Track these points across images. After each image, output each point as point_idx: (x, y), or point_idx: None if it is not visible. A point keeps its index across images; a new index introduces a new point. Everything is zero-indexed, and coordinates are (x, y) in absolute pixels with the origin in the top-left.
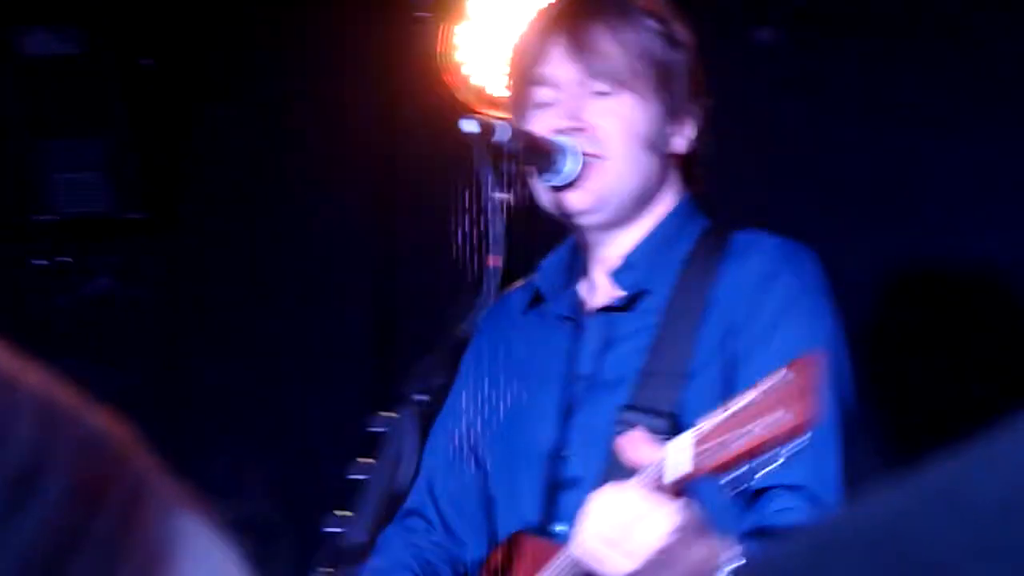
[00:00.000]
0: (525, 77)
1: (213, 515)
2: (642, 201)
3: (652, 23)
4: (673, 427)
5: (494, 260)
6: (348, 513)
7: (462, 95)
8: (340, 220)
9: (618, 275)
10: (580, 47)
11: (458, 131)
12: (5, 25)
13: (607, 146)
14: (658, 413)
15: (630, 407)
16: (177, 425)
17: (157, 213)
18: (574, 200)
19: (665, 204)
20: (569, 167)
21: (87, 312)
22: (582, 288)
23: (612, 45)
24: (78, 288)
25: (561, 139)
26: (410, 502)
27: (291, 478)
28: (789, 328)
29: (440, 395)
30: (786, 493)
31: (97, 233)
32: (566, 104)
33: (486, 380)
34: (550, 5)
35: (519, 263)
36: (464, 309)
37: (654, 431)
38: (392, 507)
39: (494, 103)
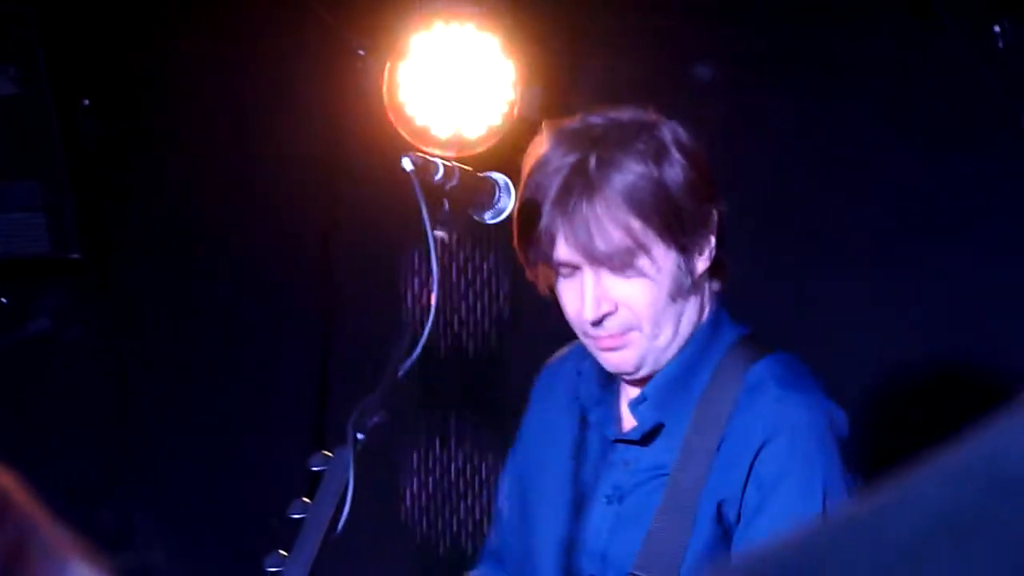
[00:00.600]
0: (540, 256)
1: (105, 563)
2: (683, 338)
3: (653, 167)
4: None
5: (432, 298)
6: (287, 553)
7: (406, 134)
8: (281, 259)
9: (634, 407)
10: (585, 240)
11: (399, 170)
12: None
13: (637, 319)
14: None
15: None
16: (116, 466)
17: (94, 254)
18: (615, 359)
19: (690, 321)
20: (507, 203)
21: (24, 353)
22: (617, 404)
23: (620, 233)
24: (16, 329)
25: (497, 176)
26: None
27: (231, 517)
28: (775, 505)
29: (378, 433)
30: None
31: (34, 274)
32: (593, 296)
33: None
34: (538, 179)
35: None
36: (403, 347)
37: None
38: (330, 546)
39: (437, 142)
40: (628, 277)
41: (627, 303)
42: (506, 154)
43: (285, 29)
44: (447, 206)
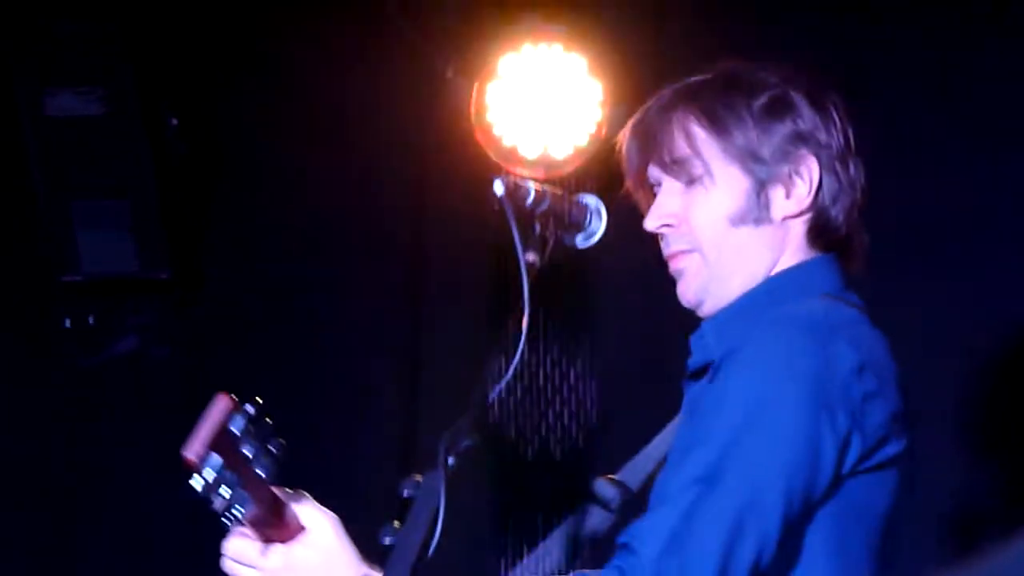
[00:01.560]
0: (637, 181)
1: None
2: (750, 274)
3: (739, 99)
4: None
5: (524, 322)
6: None
7: (494, 155)
8: (369, 280)
9: (694, 341)
10: (658, 148)
11: (489, 192)
12: (31, 87)
13: (695, 237)
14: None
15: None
16: None
17: (182, 273)
18: (680, 290)
19: (763, 262)
20: (599, 226)
21: (114, 372)
22: None
23: (683, 142)
24: (105, 349)
25: (588, 198)
26: None
27: None
28: (706, 409)
29: (468, 458)
30: (619, 549)
31: (123, 293)
32: (657, 203)
33: None
34: (639, 111)
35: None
36: (493, 372)
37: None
38: (422, 571)
39: (526, 163)
40: (690, 189)
41: (686, 217)
42: (594, 175)
43: (375, 51)
44: (538, 229)
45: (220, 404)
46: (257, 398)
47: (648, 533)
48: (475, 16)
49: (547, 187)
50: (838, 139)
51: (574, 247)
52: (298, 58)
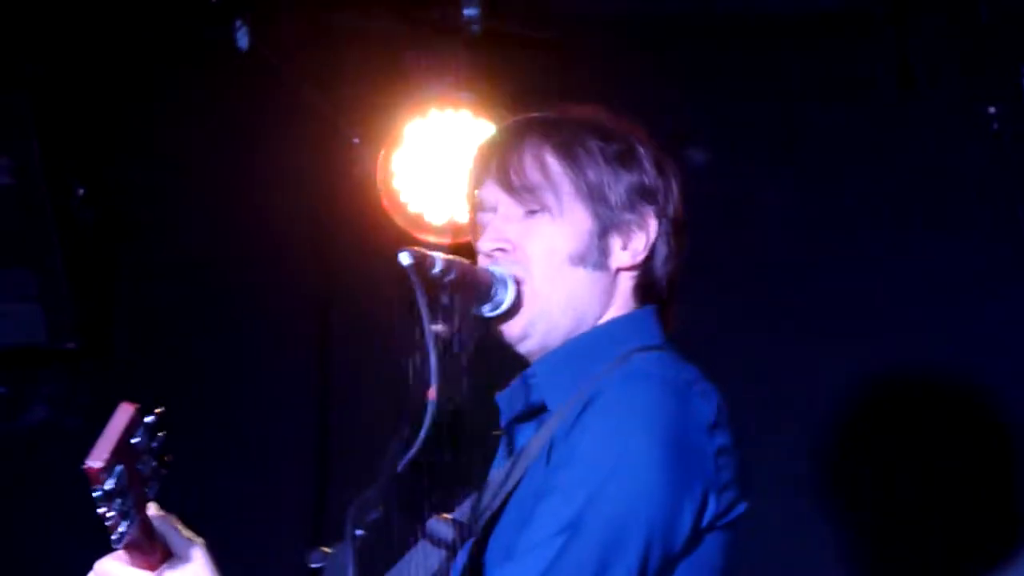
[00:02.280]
0: (468, 203)
1: None
2: (578, 319)
3: (591, 141)
4: (461, 537)
5: (432, 393)
6: None
7: (400, 221)
8: (277, 350)
9: (522, 383)
10: (503, 172)
11: (396, 262)
12: None
13: (529, 267)
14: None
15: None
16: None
17: (91, 342)
18: (506, 328)
19: (592, 308)
20: (505, 296)
21: (24, 442)
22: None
23: (534, 167)
24: (15, 418)
25: (495, 269)
26: None
27: None
28: (568, 460)
29: (377, 528)
30: None
31: (31, 363)
32: (493, 226)
33: None
34: (492, 132)
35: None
36: (402, 443)
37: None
38: None
39: (433, 229)
40: (532, 216)
41: (522, 245)
42: None
43: (281, 118)
44: (446, 300)
45: (124, 413)
46: (158, 409)
47: None
48: (381, 82)
49: (455, 257)
50: (675, 206)
51: (481, 317)
52: (206, 125)
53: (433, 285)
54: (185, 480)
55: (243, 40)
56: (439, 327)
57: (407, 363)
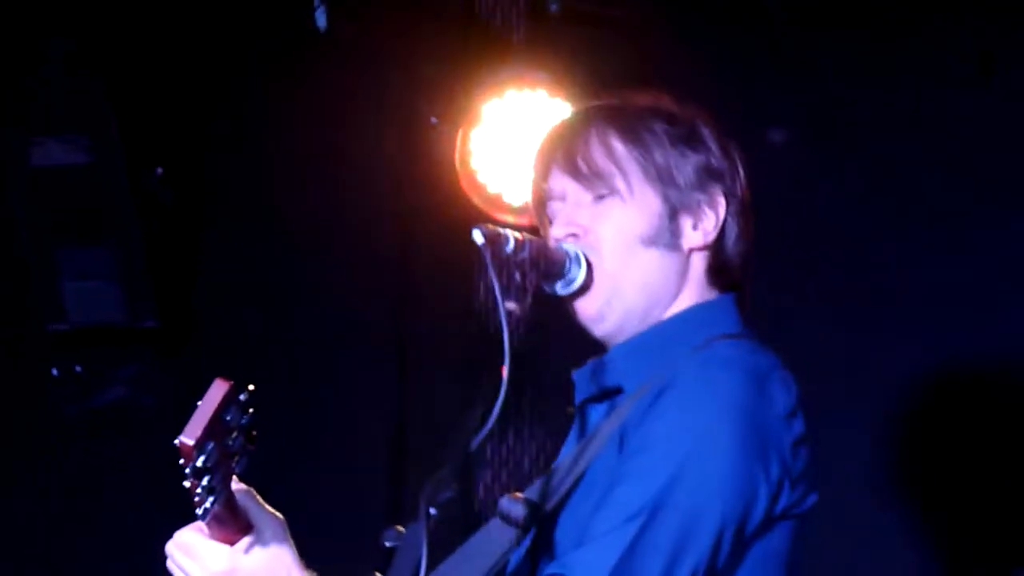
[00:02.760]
0: (534, 196)
1: None
2: (654, 300)
3: (656, 124)
4: (532, 517)
5: (504, 371)
6: None
7: (478, 201)
8: (354, 329)
9: (600, 363)
10: (570, 159)
11: (471, 241)
12: (15, 136)
13: (601, 250)
14: (527, 501)
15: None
16: None
17: (169, 322)
18: (581, 308)
19: (681, 304)
20: (578, 274)
21: (102, 422)
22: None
23: (600, 152)
24: (93, 398)
25: (568, 247)
26: None
27: None
28: (639, 447)
29: (451, 508)
30: None
31: (110, 342)
32: (564, 213)
33: None
34: (555, 122)
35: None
36: (474, 421)
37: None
38: None
39: (510, 210)
40: (601, 201)
41: (594, 229)
42: None
43: (360, 98)
44: (518, 278)
45: (219, 389)
46: (250, 386)
47: (587, 568)
48: (459, 62)
49: (527, 235)
50: (741, 186)
51: (554, 294)
52: (284, 105)
53: (506, 262)
54: (263, 459)
55: (322, 20)
56: (512, 304)
57: (483, 341)
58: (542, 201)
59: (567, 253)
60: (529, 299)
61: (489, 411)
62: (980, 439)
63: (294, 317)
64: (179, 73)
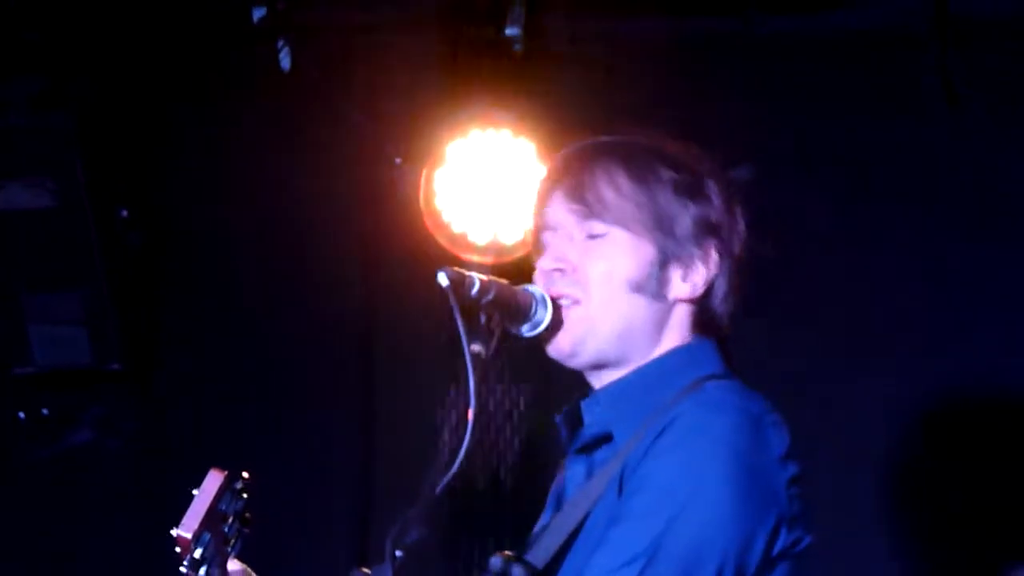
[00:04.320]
0: (533, 222)
1: None
2: (631, 345)
3: (663, 170)
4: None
5: (470, 414)
6: None
7: (443, 241)
8: (321, 371)
9: (586, 408)
10: (576, 189)
11: (436, 283)
12: None
13: (587, 288)
14: (521, 561)
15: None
16: None
17: (135, 364)
18: (554, 345)
19: (647, 336)
20: (544, 316)
21: (68, 464)
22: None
23: (607, 187)
24: (60, 440)
25: (534, 289)
26: None
27: None
28: (638, 488)
29: (417, 550)
30: None
31: (77, 385)
32: (555, 246)
33: None
34: (562, 151)
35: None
36: (442, 463)
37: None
38: None
39: (475, 248)
40: (589, 243)
41: (582, 267)
42: None
43: (324, 138)
44: (484, 320)
45: (214, 479)
46: (244, 473)
47: None
48: (422, 102)
49: (492, 278)
50: (739, 243)
51: (520, 337)
52: (247, 146)
53: (471, 304)
54: (252, 521)
55: (285, 61)
56: (477, 347)
57: (449, 384)
58: (539, 228)
59: (533, 295)
60: (495, 342)
61: (455, 454)
62: (958, 461)
63: (260, 358)
64: (143, 115)
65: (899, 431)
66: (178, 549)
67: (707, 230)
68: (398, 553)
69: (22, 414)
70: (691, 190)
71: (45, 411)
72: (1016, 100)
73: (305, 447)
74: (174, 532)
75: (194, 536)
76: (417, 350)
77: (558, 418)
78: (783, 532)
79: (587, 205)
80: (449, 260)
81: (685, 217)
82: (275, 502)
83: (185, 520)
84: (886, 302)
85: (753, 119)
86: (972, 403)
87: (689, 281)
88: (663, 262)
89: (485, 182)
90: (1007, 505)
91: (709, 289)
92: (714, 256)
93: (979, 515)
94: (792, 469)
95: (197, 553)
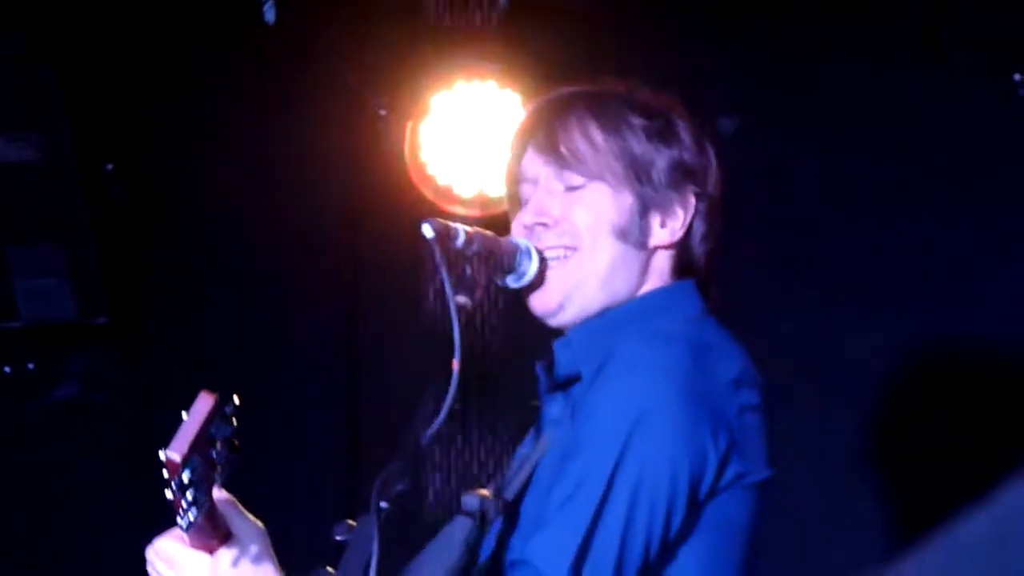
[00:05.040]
0: (507, 175)
1: None
2: (613, 293)
3: (633, 117)
4: (494, 508)
5: (455, 365)
6: None
7: (429, 194)
8: (305, 322)
9: (557, 349)
10: (550, 143)
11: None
12: None
13: (577, 237)
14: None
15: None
16: (144, 533)
17: (121, 318)
18: (538, 301)
19: (628, 284)
20: (529, 268)
21: (53, 419)
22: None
23: (581, 139)
24: (45, 395)
25: (519, 240)
26: None
27: None
28: (585, 420)
29: (403, 501)
30: (519, 567)
31: (61, 339)
32: (536, 200)
33: None
34: (534, 103)
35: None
36: (426, 414)
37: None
38: None
39: (461, 201)
40: (570, 194)
41: (568, 217)
42: None
43: (308, 90)
44: (468, 271)
45: (204, 402)
46: (235, 397)
47: (548, 553)
48: (407, 54)
49: (477, 229)
50: (713, 184)
51: (506, 288)
52: (233, 99)
53: (456, 256)
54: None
55: (270, 14)
56: (462, 298)
57: (433, 334)
58: (515, 181)
59: (518, 246)
60: (479, 293)
61: (440, 405)
62: (945, 421)
63: (244, 312)
64: (128, 68)
65: (891, 382)
66: (165, 473)
67: (683, 173)
68: (383, 504)
69: (7, 368)
70: (663, 134)
71: (30, 365)
72: (1002, 49)
73: (291, 398)
74: (162, 454)
75: (183, 459)
76: (403, 302)
77: (537, 366)
78: (734, 456)
79: (562, 158)
80: (434, 212)
81: (660, 162)
82: (261, 451)
83: (174, 442)
84: (874, 257)
85: (740, 72)
86: (962, 356)
87: (668, 227)
88: (643, 210)
89: (471, 134)
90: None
91: (687, 232)
92: (691, 199)
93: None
94: (745, 396)
95: (185, 476)
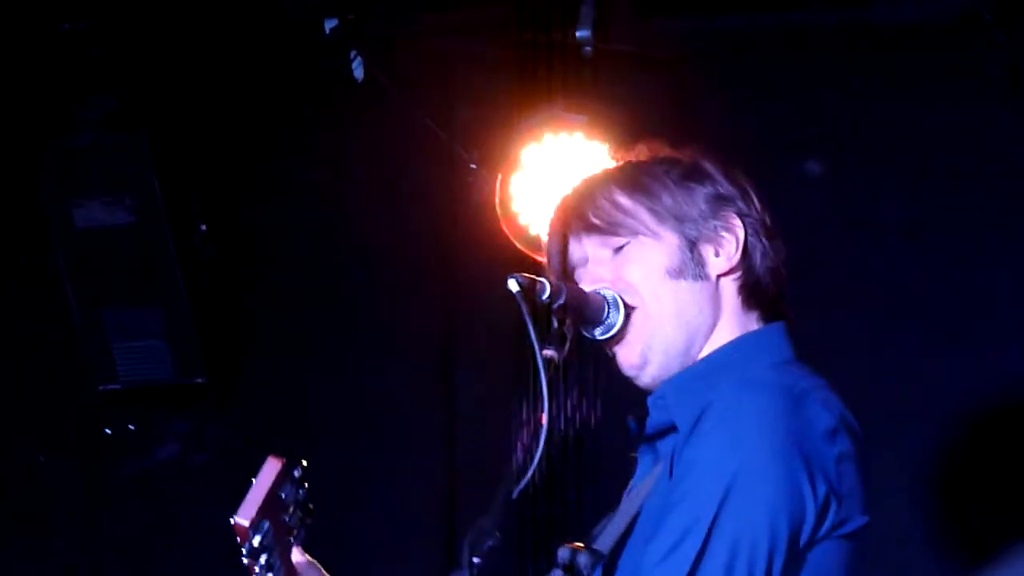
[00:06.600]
0: (551, 272)
1: None
2: (691, 329)
3: (657, 169)
4: (590, 563)
5: (543, 419)
6: None
7: (520, 244)
8: (402, 377)
9: (651, 403)
10: (583, 220)
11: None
12: (58, 199)
13: (635, 291)
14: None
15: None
16: None
17: (218, 377)
18: (623, 356)
19: (723, 335)
20: (617, 318)
21: (154, 479)
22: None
23: (608, 205)
24: (147, 455)
25: (605, 291)
26: None
27: None
28: (686, 473)
29: (495, 556)
30: None
31: (161, 400)
32: (588, 272)
33: None
34: (556, 206)
35: None
36: (517, 469)
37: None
38: None
39: None
40: (618, 256)
41: (621, 275)
42: None
43: (399, 146)
44: (556, 324)
45: (272, 467)
46: (303, 461)
47: None
48: (496, 108)
49: (563, 282)
50: (756, 207)
51: (593, 340)
52: (324, 156)
53: (543, 309)
54: (316, 514)
55: (359, 71)
56: (550, 352)
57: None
58: (569, 276)
59: (604, 298)
60: (568, 346)
61: (530, 459)
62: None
63: (342, 366)
64: (218, 128)
65: (971, 423)
66: (238, 540)
67: (720, 202)
68: (476, 560)
69: (108, 430)
70: (691, 174)
71: (131, 427)
72: None
73: (388, 452)
74: (232, 520)
75: (252, 524)
76: (495, 353)
77: (630, 419)
78: (833, 505)
79: (598, 227)
80: (527, 263)
81: (694, 199)
82: (359, 508)
83: (242, 508)
84: (953, 289)
85: (821, 111)
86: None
87: (723, 254)
88: (691, 245)
89: (559, 185)
90: None
91: (745, 255)
92: (736, 222)
93: None
94: (843, 445)
95: (256, 541)
